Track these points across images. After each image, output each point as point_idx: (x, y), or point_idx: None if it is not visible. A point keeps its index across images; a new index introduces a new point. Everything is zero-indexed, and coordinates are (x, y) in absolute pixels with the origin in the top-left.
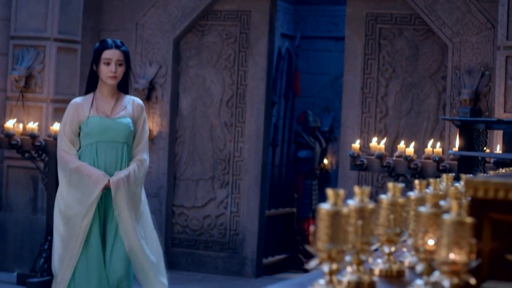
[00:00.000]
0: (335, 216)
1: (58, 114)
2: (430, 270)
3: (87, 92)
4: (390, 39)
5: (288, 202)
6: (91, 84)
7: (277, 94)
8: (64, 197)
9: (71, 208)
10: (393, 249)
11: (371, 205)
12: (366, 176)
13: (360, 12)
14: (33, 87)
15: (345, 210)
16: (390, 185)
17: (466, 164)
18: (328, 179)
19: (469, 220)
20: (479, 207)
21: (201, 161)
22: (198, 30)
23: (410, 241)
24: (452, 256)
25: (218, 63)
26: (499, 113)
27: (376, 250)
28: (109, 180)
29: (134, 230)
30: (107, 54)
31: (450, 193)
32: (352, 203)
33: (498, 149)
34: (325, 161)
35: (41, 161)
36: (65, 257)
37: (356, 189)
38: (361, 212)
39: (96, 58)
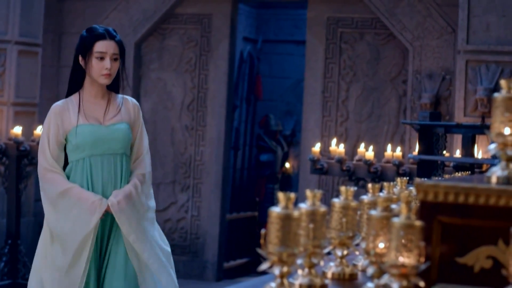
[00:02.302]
0: (286, 219)
1: (18, 117)
2: (380, 273)
3: (70, 93)
4: (351, 43)
5: (249, 206)
6: (75, 83)
7: (238, 97)
8: (53, 225)
9: (62, 241)
10: (345, 252)
11: (322, 209)
12: (326, 180)
13: (321, 16)
14: None
15: (296, 213)
16: (342, 188)
17: (425, 168)
18: (290, 182)
19: (418, 223)
20: (429, 210)
21: (162, 165)
22: (160, 33)
23: (363, 245)
24: (401, 259)
25: (179, 66)
26: (459, 117)
27: (329, 253)
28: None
29: (145, 252)
30: (101, 46)
31: (401, 197)
32: (304, 206)
33: (458, 153)
34: (287, 164)
35: (1, 164)
36: None
37: (308, 192)
38: (312, 215)
39: (85, 51)
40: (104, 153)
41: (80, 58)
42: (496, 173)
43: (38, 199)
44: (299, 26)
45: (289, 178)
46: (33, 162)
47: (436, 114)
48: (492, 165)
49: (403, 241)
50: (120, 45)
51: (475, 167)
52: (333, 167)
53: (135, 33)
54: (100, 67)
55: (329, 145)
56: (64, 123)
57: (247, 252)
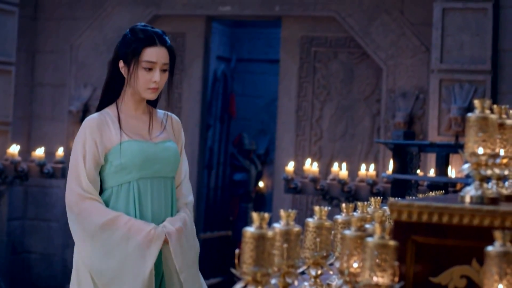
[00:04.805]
0: (260, 239)
1: None
2: None
3: (103, 104)
4: (325, 62)
5: (223, 225)
6: (111, 93)
7: (212, 116)
8: (92, 267)
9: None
10: (319, 272)
11: (296, 228)
12: (300, 199)
13: (295, 35)
14: None
15: (270, 233)
16: (316, 208)
17: (399, 187)
18: (264, 202)
19: (392, 243)
20: (403, 230)
21: None
22: None
23: (337, 264)
24: (375, 278)
25: None
26: (433, 136)
27: (303, 273)
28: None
29: None
30: (150, 54)
31: (375, 216)
32: (278, 226)
33: (432, 172)
34: (261, 184)
35: None
36: None
37: (282, 212)
38: (286, 235)
39: (129, 58)
40: (154, 176)
41: (121, 64)
42: (470, 192)
43: (11, 218)
44: (273, 45)
45: (263, 197)
46: (6, 181)
47: (410, 133)
48: (466, 184)
49: (377, 260)
50: (171, 53)
51: (449, 186)
52: (307, 186)
53: (109, 52)
54: (147, 80)
55: (303, 164)
56: (104, 139)
57: (220, 271)
